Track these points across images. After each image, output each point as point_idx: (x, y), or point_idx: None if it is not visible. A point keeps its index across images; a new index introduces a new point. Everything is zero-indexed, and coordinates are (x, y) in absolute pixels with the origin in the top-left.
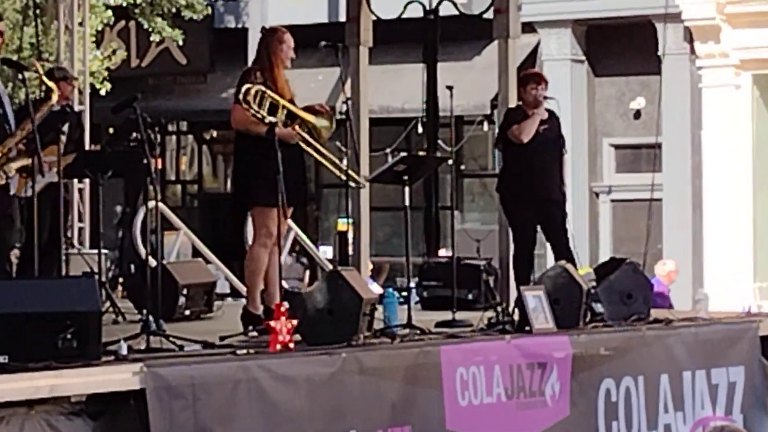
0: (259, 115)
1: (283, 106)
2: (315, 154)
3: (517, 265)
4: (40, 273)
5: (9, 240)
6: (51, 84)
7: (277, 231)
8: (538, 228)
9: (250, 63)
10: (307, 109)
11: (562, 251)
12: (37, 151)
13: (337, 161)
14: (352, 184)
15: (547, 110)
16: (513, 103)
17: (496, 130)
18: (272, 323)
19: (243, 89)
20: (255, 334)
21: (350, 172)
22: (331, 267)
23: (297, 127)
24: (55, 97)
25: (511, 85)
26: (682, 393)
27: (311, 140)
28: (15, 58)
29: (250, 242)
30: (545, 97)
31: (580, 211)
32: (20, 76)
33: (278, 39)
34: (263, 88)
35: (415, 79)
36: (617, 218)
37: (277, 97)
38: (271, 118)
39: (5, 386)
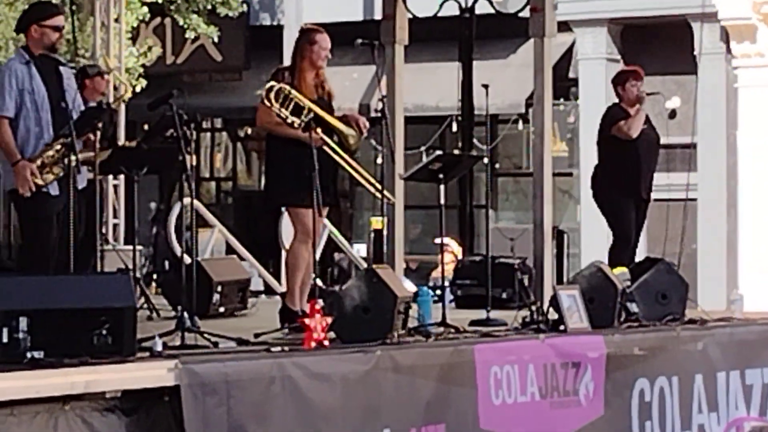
0: (282, 115)
1: (309, 108)
2: (342, 163)
3: (613, 261)
4: (75, 269)
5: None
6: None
7: (313, 229)
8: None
9: (285, 60)
10: (343, 117)
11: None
12: (73, 148)
13: (368, 176)
14: (382, 196)
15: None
16: (549, 102)
17: (532, 129)
18: (307, 321)
19: (266, 87)
20: (287, 331)
21: (385, 192)
22: (365, 265)
23: (319, 131)
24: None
25: (546, 83)
26: (716, 393)
27: (337, 147)
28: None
29: (283, 240)
30: (648, 93)
31: None
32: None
33: (310, 40)
34: (288, 88)
35: (450, 77)
36: (652, 218)
37: (302, 98)
38: (294, 119)
39: (40, 382)
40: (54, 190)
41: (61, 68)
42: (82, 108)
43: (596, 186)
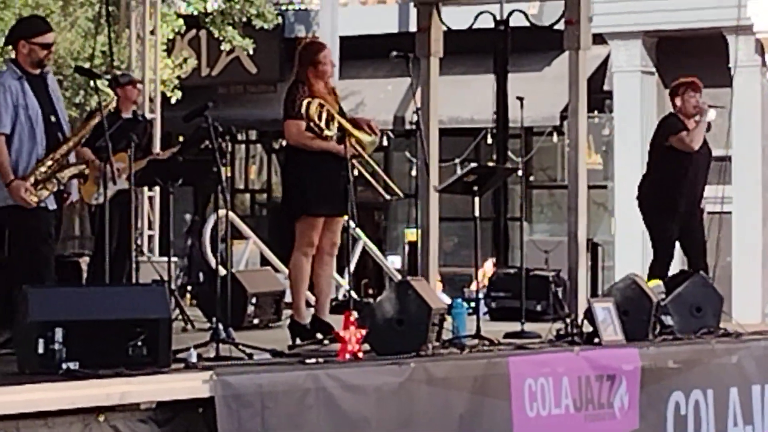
0: (317, 129)
1: (337, 120)
2: (361, 168)
3: (652, 274)
4: (110, 280)
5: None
6: (108, 90)
7: (344, 239)
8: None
9: None
10: (353, 121)
11: (699, 265)
12: (109, 159)
13: (381, 178)
14: (387, 196)
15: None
16: (583, 114)
17: (566, 141)
18: (342, 332)
19: (304, 103)
20: (299, 342)
21: (391, 185)
22: (399, 277)
23: (353, 141)
24: (113, 104)
25: (581, 96)
26: (752, 407)
27: (362, 154)
28: (87, 66)
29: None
30: (710, 106)
31: None
32: (92, 84)
33: (312, 51)
34: (322, 101)
35: (485, 89)
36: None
37: (332, 110)
38: (329, 132)
39: (76, 392)
40: (51, 204)
41: (48, 78)
42: (65, 116)
43: (642, 195)
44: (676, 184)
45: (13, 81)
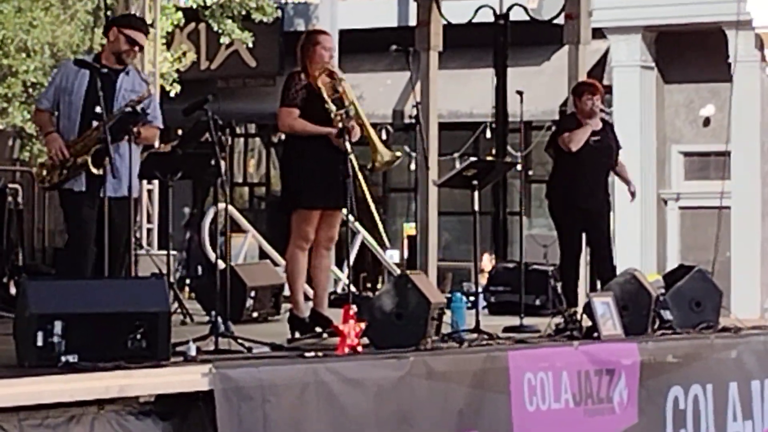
0: (332, 114)
1: (352, 104)
2: (360, 174)
3: (563, 272)
4: (109, 273)
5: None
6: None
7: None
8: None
9: None
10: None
11: (603, 261)
12: (108, 152)
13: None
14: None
15: (603, 120)
16: None
17: None
18: (341, 326)
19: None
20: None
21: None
22: (398, 271)
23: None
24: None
25: None
26: (751, 402)
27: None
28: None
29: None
30: (602, 110)
31: (648, 218)
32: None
33: (311, 41)
34: (345, 86)
35: (484, 83)
36: (685, 225)
37: (350, 94)
38: (339, 113)
39: (76, 385)
40: (109, 191)
41: (120, 75)
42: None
43: (548, 194)
44: (570, 181)
45: (72, 65)
